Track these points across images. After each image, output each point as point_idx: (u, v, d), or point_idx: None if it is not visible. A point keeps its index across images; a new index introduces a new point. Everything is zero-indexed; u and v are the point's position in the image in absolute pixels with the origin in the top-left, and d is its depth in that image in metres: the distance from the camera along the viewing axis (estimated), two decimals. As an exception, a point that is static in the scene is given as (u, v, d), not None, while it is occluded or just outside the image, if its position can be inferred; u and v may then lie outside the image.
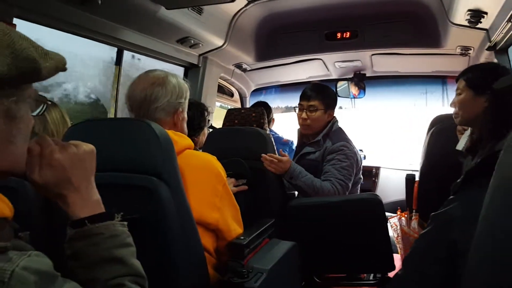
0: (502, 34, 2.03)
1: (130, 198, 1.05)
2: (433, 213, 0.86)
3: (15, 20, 1.53)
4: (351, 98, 3.45)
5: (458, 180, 0.79)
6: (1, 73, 0.58)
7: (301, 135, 2.38)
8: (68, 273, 0.64)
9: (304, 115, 2.21)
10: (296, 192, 2.30)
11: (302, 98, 2.26)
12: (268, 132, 2.51)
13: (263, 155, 1.94)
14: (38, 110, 0.74)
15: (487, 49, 2.35)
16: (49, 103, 0.76)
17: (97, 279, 0.73)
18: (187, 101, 1.42)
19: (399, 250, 2.01)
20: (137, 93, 1.32)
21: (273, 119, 3.29)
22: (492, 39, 2.21)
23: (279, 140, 3.13)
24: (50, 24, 1.75)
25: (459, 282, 0.75)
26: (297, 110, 2.28)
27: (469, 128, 1.58)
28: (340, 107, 3.69)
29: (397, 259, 1.96)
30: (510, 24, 1.85)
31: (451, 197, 0.83)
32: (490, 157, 0.75)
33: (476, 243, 0.36)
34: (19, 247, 0.59)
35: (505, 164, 0.34)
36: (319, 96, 2.22)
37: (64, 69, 0.70)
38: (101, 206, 0.79)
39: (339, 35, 2.80)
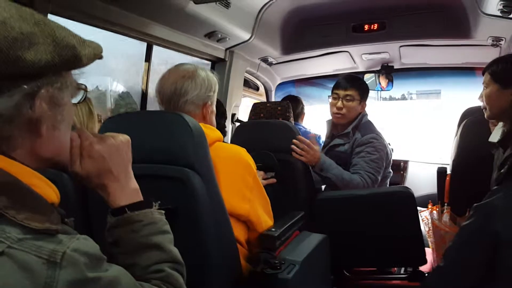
0: (536, 24, 1.96)
1: (164, 189, 1.07)
2: (476, 204, 0.84)
3: (49, 16, 1.58)
4: (379, 90, 3.40)
5: (502, 171, 0.77)
6: (45, 60, 0.60)
7: (331, 126, 2.37)
8: (109, 261, 0.66)
9: (339, 104, 2.20)
10: (323, 186, 2.29)
11: (337, 87, 2.25)
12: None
13: (293, 140, 1.94)
14: (79, 98, 0.76)
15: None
16: (88, 91, 0.78)
17: (137, 264, 0.75)
18: (216, 94, 1.44)
19: (430, 244, 1.98)
20: (167, 87, 1.34)
21: (304, 113, 3.27)
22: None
23: (306, 134, 3.11)
24: (82, 20, 1.78)
25: (500, 273, 0.74)
26: (330, 99, 2.27)
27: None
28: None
29: (429, 253, 1.93)
30: (545, 12, 1.78)
31: (495, 187, 0.81)
32: None
33: None
34: (67, 232, 0.61)
35: None
36: (355, 86, 2.22)
37: (101, 56, 0.72)
38: (139, 194, 0.81)
39: (366, 27, 2.76)
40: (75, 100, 0.74)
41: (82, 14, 1.75)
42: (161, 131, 1.14)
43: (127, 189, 0.79)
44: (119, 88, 2.98)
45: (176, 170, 1.09)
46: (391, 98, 4.33)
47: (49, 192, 0.65)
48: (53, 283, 0.53)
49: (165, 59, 2.58)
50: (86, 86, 0.76)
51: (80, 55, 0.65)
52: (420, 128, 4.50)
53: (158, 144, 1.13)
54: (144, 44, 2.33)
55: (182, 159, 1.09)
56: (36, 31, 0.60)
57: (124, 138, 0.81)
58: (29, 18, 0.60)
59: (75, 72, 0.70)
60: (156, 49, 2.38)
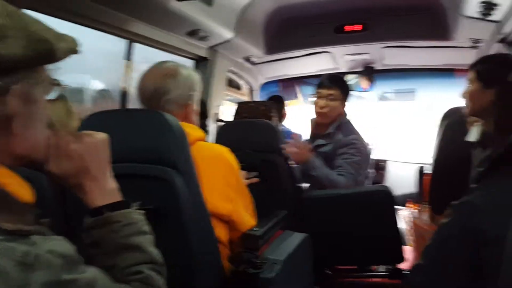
0: (514, 26, 2.00)
1: (145, 189, 1.06)
2: (454, 202, 0.85)
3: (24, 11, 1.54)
4: (360, 91, 3.43)
5: (481, 169, 0.78)
6: (18, 55, 0.58)
7: (314, 127, 2.38)
8: (86, 262, 0.64)
9: (323, 103, 2.22)
10: (304, 185, 2.30)
11: (320, 86, 2.28)
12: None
13: (289, 141, 1.95)
14: (54, 94, 0.74)
15: (498, 42, 2.33)
16: (65, 87, 0.76)
17: (116, 266, 0.73)
18: (198, 94, 1.42)
19: (410, 242, 2.01)
20: (148, 85, 1.32)
21: (285, 113, 3.28)
22: (503, 31, 2.19)
23: (288, 134, 3.12)
24: (60, 16, 1.74)
25: (489, 272, 0.74)
26: (314, 98, 2.29)
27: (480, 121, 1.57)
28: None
29: (409, 251, 1.95)
30: (523, 15, 1.82)
31: (474, 186, 0.82)
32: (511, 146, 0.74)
33: None
34: (41, 232, 0.59)
35: None
36: (338, 86, 2.25)
37: (76, 51, 0.70)
38: (118, 194, 0.80)
39: (349, 27, 2.78)
40: (50, 97, 0.72)
41: (59, 10, 1.71)
42: (141, 129, 1.12)
43: (105, 189, 0.77)
44: (99, 86, 2.93)
45: (157, 170, 1.07)
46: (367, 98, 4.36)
47: (23, 191, 0.63)
48: (26, 286, 0.51)
49: (146, 57, 2.55)
50: (60, 82, 0.73)
51: (54, 50, 0.63)
52: (398, 128, 4.57)
53: (138, 143, 1.11)
54: (124, 42, 2.29)
55: (163, 158, 1.08)
56: (8, 24, 0.58)
57: (101, 136, 0.79)
58: (0, 10, 0.58)
59: (50, 67, 0.68)
60: (137, 47, 2.34)
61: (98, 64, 2.81)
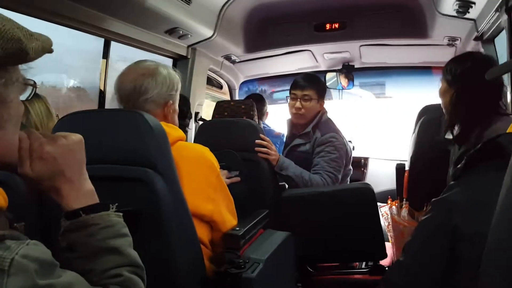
0: (489, 24, 2.05)
1: (124, 191, 1.04)
2: (433, 199, 0.87)
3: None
4: (340, 89, 3.46)
5: (459, 166, 0.80)
6: None
7: (291, 126, 2.38)
8: (63, 266, 0.63)
9: (298, 104, 2.22)
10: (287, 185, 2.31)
11: (295, 87, 2.26)
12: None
13: (258, 141, 1.94)
14: (27, 95, 0.72)
15: (474, 39, 2.38)
16: (37, 87, 0.74)
17: (94, 269, 0.72)
18: (178, 92, 1.41)
19: (390, 239, 2.03)
20: (126, 84, 1.30)
21: (267, 112, 3.28)
22: (479, 29, 2.23)
23: (271, 133, 3.13)
24: (34, 14, 1.69)
25: (461, 267, 0.76)
26: (289, 99, 2.29)
27: None
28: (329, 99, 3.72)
29: (388, 247, 1.98)
30: (497, 13, 1.86)
31: (452, 183, 0.84)
32: (489, 142, 0.76)
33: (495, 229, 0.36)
34: (16, 237, 0.58)
35: None
36: (313, 86, 2.24)
37: (50, 50, 0.68)
38: (95, 196, 0.78)
39: (328, 26, 2.79)
40: (23, 97, 0.70)
41: (34, 8, 1.66)
42: (120, 130, 1.10)
43: (81, 191, 0.76)
44: (75, 85, 2.87)
45: (137, 171, 1.06)
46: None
47: None
48: None
49: (125, 56, 2.51)
50: (35, 82, 0.71)
51: (26, 49, 0.61)
52: (379, 125, 4.63)
53: (116, 144, 1.09)
54: (102, 40, 2.25)
55: (143, 159, 1.06)
56: None
57: (76, 137, 0.77)
58: None
59: (22, 67, 0.66)
60: (115, 45, 2.31)
61: (75, 63, 2.76)
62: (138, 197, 1.04)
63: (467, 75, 1.49)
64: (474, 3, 2.00)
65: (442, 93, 1.59)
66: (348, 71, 3.38)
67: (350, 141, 2.61)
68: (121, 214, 0.80)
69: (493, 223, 0.37)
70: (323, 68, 3.52)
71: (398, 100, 4.26)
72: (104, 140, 1.09)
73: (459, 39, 2.64)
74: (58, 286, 0.57)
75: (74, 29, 1.94)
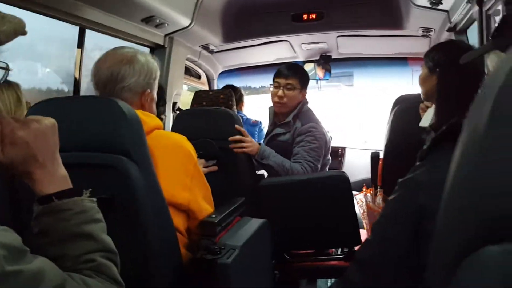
0: (462, 15, 2.09)
1: (98, 178, 1.03)
2: (400, 180, 0.90)
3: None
4: (317, 80, 3.49)
5: (425, 147, 0.83)
6: None
7: (273, 115, 2.40)
8: (35, 252, 0.62)
9: (281, 92, 2.23)
10: (266, 174, 2.33)
11: (278, 76, 2.27)
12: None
13: (231, 138, 1.95)
14: None
15: (447, 30, 2.43)
16: (11, 70, 0.72)
17: (67, 255, 0.72)
18: (156, 81, 1.39)
19: (364, 226, 2.08)
20: (103, 71, 1.28)
21: (243, 101, 3.28)
22: (452, 20, 2.28)
23: (248, 122, 3.15)
24: (6, 0, 1.65)
25: (424, 245, 0.79)
26: (271, 88, 2.30)
27: (433, 106, 1.64)
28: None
29: (363, 234, 2.02)
30: (469, 5, 1.91)
31: (417, 163, 0.87)
32: (455, 124, 0.79)
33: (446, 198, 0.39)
34: None
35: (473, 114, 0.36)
36: (296, 75, 2.25)
37: (24, 32, 0.67)
38: (68, 182, 0.78)
39: (305, 16, 2.81)
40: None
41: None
42: (94, 117, 1.09)
43: (54, 176, 0.75)
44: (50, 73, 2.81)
45: (110, 158, 1.05)
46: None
47: None
48: None
49: (100, 45, 2.47)
50: (7, 65, 0.70)
51: None
52: (357, 115, 4.70)
53: (90, 131, 1.08)
54: (77, 28, 2.20)
55: (116, 146, 1.06)
56: None
57: (49, 122, 0.76)
58: None
59: None
60: (91, 34, 2.26)
61: (49, 51, 2.70)
62: (112, 184, 1.04)
63: (451, 63, 1.51)
64: (446, -6, 2.05)
65: (423, 80, 1.61)
66: (326, 61, 3.41)
67: (328, 131, 2.64)
68: (94, 199, 0.80)
69: (443, 200, 0.39)
70: (301, 58, 3.54)
71: (366, 90, 4.33)
72: (77, 127, 1.08)
73: (433, 30, 2.69)
74: (27, 272, 0.57)
75: (47, 16, 1.89)
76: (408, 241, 0.83)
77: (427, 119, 1.64)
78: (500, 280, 0.29)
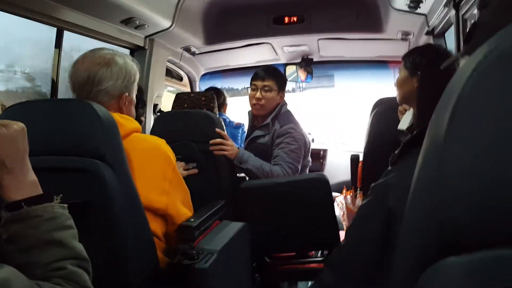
0: (439, 19, 2.13)
1: (72, 182, 1.02)
2: (372, 184, 0.91)
3: None
4: (299, 82, 3.50)
5: (396, 152, 0.84)
6: None
7: (252, 118, 2.40)
8: (3, 259, 0.61)
9: (258, 94, 2.23)
10: (243, 175, 2.33)
11: (255, 78, 2.28)
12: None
13: (211, 141, 1.94)
14: None
15: (425, 34, 2.47)
16: None
17: (36, 262, 0.70)
18: (135, 84, 1.37)
19: (344, 227, 2.09)
20: (80, 73, 1.26)
21: (226, 104, 3.27)
22: (430, 24, 2.32)
23: (231, 124, 3.13)
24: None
25: (391, 248, 0.80)
26: (249, 90, 2.30)
27: (411, 109, 1.66)
28: (289, 90, 3.76)
29: (343, 236, 2.03)
30: (446, 9, 1.94)
31: (389, 168, 0.88)
32: (425, 129, 0.80)
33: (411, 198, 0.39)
34: None
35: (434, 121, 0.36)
36: (273, 77, 2.26)
37: None
38: (38, 187, 0.76)
39: (286, 19, 2.82)
40: None
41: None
42: (67, 120, 1.08)
43: (23, 182, 0.73)
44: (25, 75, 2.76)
45: (84, 162, 1.03)
46: (293, 90, 4.45)
47: None
48: None
49: (79, 46, 2.43)
50: None
51: None
52: (338, 118, 4.74)
53: (64, 134, 1.07)
54: (54, 30, 2.16)
55: (91, 150, 1.04)
56: None
57: (18, 126, 0.74)
58: None
59: None
60: (70, 35, 2.23)
61: (26, 53, 2.65)
62: (87, 188, 1.02)
63: (431, 66, 1.51)
64: (424, -2, 2.08)
65: (401, 83, 1.59)
66: (307, 64, 3.43)
67: (309, 133, 2.65)
68: (65, 205, 0.78)
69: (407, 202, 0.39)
70: (283, 61, 3.54)
71: (347, 92, 4.37)
72: (51, 130, 1.06)
73: (412, 33, 2.73)
74: None
75: (24, 17, 1.85)
76: (379, 244, 0.84)
77: (405, 121, 1.65)
78: None
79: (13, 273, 0.61)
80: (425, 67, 1.50)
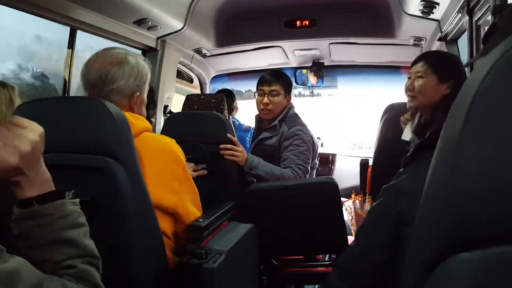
0: (453, 25, 2.12)
1: (84, 180, 1.02)
2: (384, 186, 0.90)
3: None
4: (310, 86, 3.50)
5: (408, 154, 0.83)
6: None
7: (258, 121, 2.40)
8: (14, 253, 0.61)
9: (266, 99, 2.24)
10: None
11: (262, 83, 2.28)
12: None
13: (222, 145, 1.94)
14: None
15: (438, 40, 2.45)
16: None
17: (47, 260, 0.70)
18: (147, 84, 1.38)
19: (353, 232, 2.08)
20: (93, 72, 1.27)
21: (237, 107, 3.28)
22: (443, 30, 2.30)
23: (240, 127, 3.14)
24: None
25: (401, 250, 0.79)
26: (256, 95, 2.30)
27: (415, 118, 1.63)
28: (296, 95, 3.77)
29: (351, 240, 2.02)
30: (460, 15, 1.93)
31: (401, 170, 0.88)
32: (438, 131, 0.79)
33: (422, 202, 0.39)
34: None
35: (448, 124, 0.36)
36: (279, 81, 2.26)
37: None
38: (50, 184, 0.76)
39: (298, 23, 2.82)
40: None
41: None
42: (80, 118, 1.08)
43: (37, 180, 0.73)
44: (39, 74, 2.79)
45: (97, 160, 1.04)
46: (300, 95, 4.44)
47: None
48: None
49: (92, 46, 2.45)
50: None
51: None
52: (348, 123, 4.73)
53: (76, 132, 1.07)
54: (67, 29, 2.19)
55: (103, 148, 1.05)
56: None
57: (40, 131, 0.74)
58: None
59: None
60: (82, 35, 2.25)
61: (40, 52, 2.68)
62: (98, 186, 1.03)
63: (459, 73, 1.47)
64: (438, 3, 2.07)
65: (428, 89, 1.49)
66: (318, 68, 3.43)
67: (319, 138, 2.64)
68: (77, 201, 0.78)
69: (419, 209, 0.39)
70: (293, 64, 3.55)
71: (358, 97, 4.34)
72: (63, 128, 1.07)
73: (424, 39, 2.71)
74: (2, 271, 0.56)
75: (38, 16, 1.88)
76: (389, 246, 0.84)
77: (408, 132, 1.63)
78: (472, 286, 0.29)
79: (23, 264, 0.61)
80: (458, 74, 1.43)
